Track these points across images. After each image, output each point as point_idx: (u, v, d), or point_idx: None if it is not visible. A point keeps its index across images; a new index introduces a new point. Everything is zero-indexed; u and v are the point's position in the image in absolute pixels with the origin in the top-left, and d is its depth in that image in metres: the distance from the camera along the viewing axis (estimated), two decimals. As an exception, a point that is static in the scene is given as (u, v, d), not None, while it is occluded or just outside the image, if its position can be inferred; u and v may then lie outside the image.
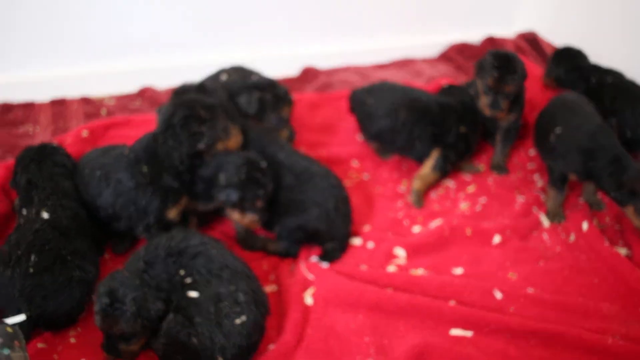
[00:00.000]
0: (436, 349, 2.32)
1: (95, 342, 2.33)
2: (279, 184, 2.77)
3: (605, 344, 2.33)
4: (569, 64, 3.61)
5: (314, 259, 2.76)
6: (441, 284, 2.61)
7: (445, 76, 4.27)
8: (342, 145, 3.53)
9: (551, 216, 3.04)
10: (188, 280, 2.26)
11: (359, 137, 3.61)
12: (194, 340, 2.15)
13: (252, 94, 3.12)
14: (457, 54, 4.73)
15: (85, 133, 3.40)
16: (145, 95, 4.07)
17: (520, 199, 3.20)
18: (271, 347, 2.34)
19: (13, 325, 1.95)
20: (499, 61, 3.10)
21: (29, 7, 3.86)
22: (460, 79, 4.14)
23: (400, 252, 2.82)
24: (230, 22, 4.30)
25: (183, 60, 4.19)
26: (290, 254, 2.80)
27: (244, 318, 2.20)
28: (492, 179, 3.36)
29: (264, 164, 2.69)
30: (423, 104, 3.32)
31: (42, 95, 3.99)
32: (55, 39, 3.99)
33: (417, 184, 3.22)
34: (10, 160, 3.03)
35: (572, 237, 2.93)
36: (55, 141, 3.24)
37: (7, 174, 2.96)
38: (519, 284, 2.67)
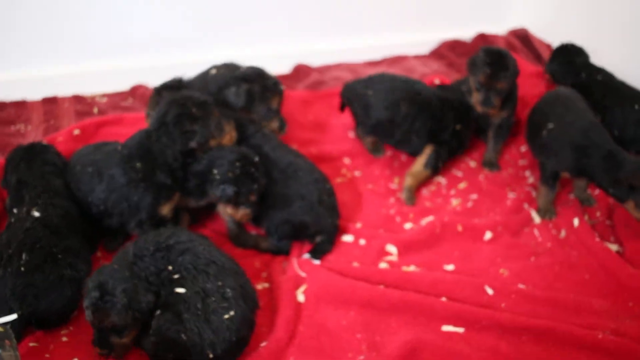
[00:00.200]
0: (428, 346, 2.33)
1: (87, 340, 2.32)
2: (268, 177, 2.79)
3: (595, 339, 2.35)
4: (564, 59, 3.64)
5: (305, 256, 2.77)
6: (433, 281, 2.62)
7: (437, 73, 4.27)
8: (334, 142, 3.53)
9: (542, 212, 3.05)
10: (176, 276, 2.27)
11: (351, 135, 3.62)
12: (184, 337, 2.15)
13: (240, 86, 3.10)
14: (449, 50, 4.73)
15: (77, 131, 3.40)
16: (137, 93, 4.06)
17: (511, 196, 3.21)
18: (263, 344, 2.34)
19: (4, 324, 1.95)
20: (491, 58, 3.11)
21: (20, 7, 3.84)
22: (452, 76, 4.15)
23: (392, 249, 2.83)
24: (222, 21, 4.28)
25: (175, 59, 4.17)
26: (282, 251, 2.81)
27: (232, 313, 2.20)
28: (483, 176, 3.37)
29: (256, 159, 2.70)
30: (424, 98, 3.32)
31: (33, 93, 3.97)
32: (47, 38, 3.97)
33: (408, 180, 3.23)
34: (1, 160, 3.02)
35: (563, 233, 2.95)
36: (46, 140, 3.24)
37: (-1, 173, 2.95)
38: (510, 280, 2.68)
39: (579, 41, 3.79)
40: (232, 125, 2.82)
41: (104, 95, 4.07)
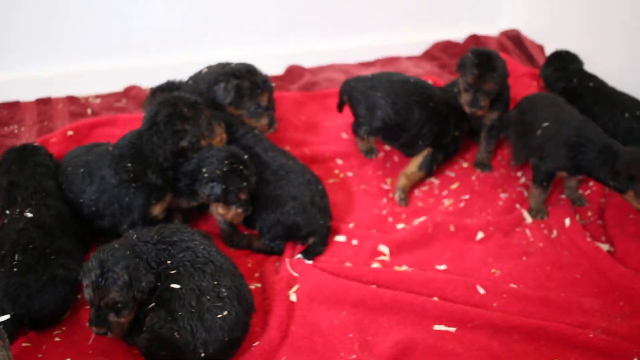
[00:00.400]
0: (420, 345, 2.34)
1: (80, 340, 2.35)
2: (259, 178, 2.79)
3: (587, 338, 2.36)
4: (557, 65, 3.66)
5: (298, 256, 2.78)
6: (425, 280, 2.63)
7: (430, 74, 4.29)
8: (327, 143, 3.53)
9: (534, 213, 3.07)
10: (173, 271, 2.28)
11: (344, 136, 3.62)
12: (177, 335, 2.15)
13: (229, 82, 3.08)
14: (441, 52, 4.75)
15: (70, 132, 3.40)
16: (131, 94, 4.06)
17: (503, 196, 3.23)
18: (256, 344, 2.35)
19: (-3, 325, 1.95)
20: (479, 59, 3.13)
21: (14, 9, 3.85)
22: (445, 77, 4.17)
23: (384, 249, 2.84)
24: (215, 22, 4.30)
25: (168, 60, 4.18)
26: (275, 251, 2.82)
27: (225, 313, 2.21)
28: (475, 176, 3.39)
29: (246, 157, 2.71)
30: (436, 104, 3.33)
31: (27, 94, 3.97)
32: (41, 39, 3.98)
33: (402, 181, 3.24)
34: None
35: (555, 233, 2.96)
36: (40, 141, 3.24)
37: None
38: (501, 280, 2.70)
39: (570, 42, 3.83)
40: (222, 127, 2.82)
41: (97, 96, 4.07)
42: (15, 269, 2.33)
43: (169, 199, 2.72)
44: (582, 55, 3.71)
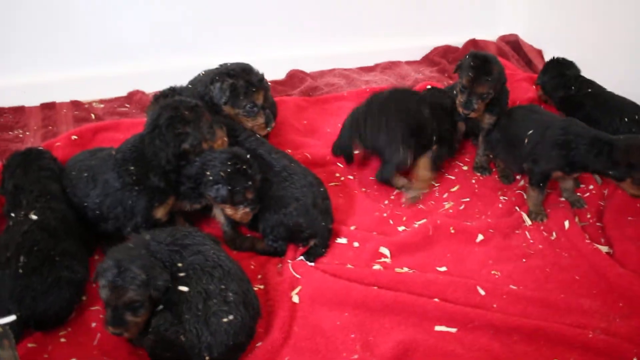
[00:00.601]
0: (421, 345, 2.36)
1: (85, 341, 2.37)
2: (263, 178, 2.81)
3: (586, 338, 2.39)
4: (555, 72, 3.70)
5: (300, 258, 2.81)
6: (426, 282, 2.65)
7: (430, 79, 4.32)
8: (328, 147, 3.54)
9: (534, 215, 3.10)
10: (182, 274, 2.29)
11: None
12: (182, 338, 2.17)
13: (225, 81, 3.09)
14: (441, 56, 4.78)
15: (74, 137, 3.43)
16: (134, 99, 4.10)
17: (502, 199, 3.26)
18: (259, 344, 2.37)
19: (3, 325, 1.96)
20: (475, 62, 3.16)
21: (19, 14, 3.89)
22: (444, 81, 4.20)
23: (385, 251, 2.86)
24: (217, 28, 4.34)
25: (170, 65, 4.22)
26: (278, 252, 2.84)
27: (231, 317, 2.22)
28: (475, 179, 3.42)
29: (248, 156, 2.72)
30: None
31: (32, 99, 4.01)
32: (45, 44, 4.02)
33: (421, 186, 3.29)
34: (-1, 165, 3.06)
35: (554, 235, 2.99)
36: (45, 145, 3.27)
37: (-5, 176, 2.98)
38: (502, 281, 2.72)
39: (569, 46, 3.86)
40: (224, 130, 2.84)
41: (101, 101, 4.11)
42: (20, 271, 2.35)
43: (172, 202, 2.74)
44: (581, 59, 3.74)
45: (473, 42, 4.85)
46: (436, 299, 2.57)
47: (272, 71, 4.26)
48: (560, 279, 2.74)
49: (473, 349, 2.39)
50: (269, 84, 3.22)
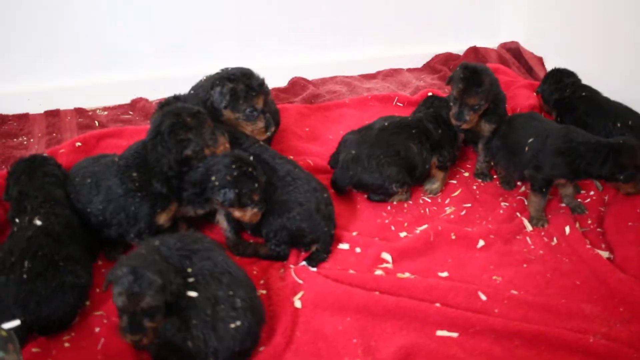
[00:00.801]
0: (422, 350, 2.37)
1: (89, 346, 2.38)
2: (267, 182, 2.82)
3: (587, 343, 2.40)
4: (553, 80, 3.73)
5: (302, 263, 2.82)
6: (427, 287, 2.66)
7: (432, 86, 4.34)
8: (330, 154, 3.55)
9: (535, 221, 3.11)
10: (191, 279, 2.28)
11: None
12: (190, 344, 2.18)
13: (225, 85, 3.09)
14: (442, 64, 4.80)
15: (79, 144, 3.45)
16: (137, 106, 4.13)
17: (504, 205, 3.27)
18: (261, 349, 2.38)
19: (7, 329, 1.97)
20: (465, 73, 3.17)
21: (23, 22, 3.92)
22: (445, 89, 4.21)
23: (387, 257, 2.87)
24: (219, 35, 4.36)
25: (173, 72, 4.25)
26: (282, 256, 2.86)
27: (238, 323, 2.23)
28: (476, 185, 3.44)
29: (251, 158, 2.73)
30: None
31: (36, 107, 4.04)
32: (49, 52, 4.05)
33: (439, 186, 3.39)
34: (3, 171, 3.07)
35: (555, 241, 3.00)
36: (49, 152, 3.29)
37: (1, 184, 2.99)
38: (503, 287, 2.73)
39: (569, 53, 3.88)
40: (226, 137, 2.85)
41: (104, 109, 4.14)
42: (24, 276, 2.37)
43: (175, 208, 2.76)
44: (581, 66, 3.77)
45: (474, 50, 4.86)
46: (438, 304, 2.58)
47: (274, 78, 4.28)
48: (561, 284, 2.75)
49: (474, 353, 2.39)
50: (269, 88, 3.22)
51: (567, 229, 3.02)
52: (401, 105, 4.17)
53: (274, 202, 2.82)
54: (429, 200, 3.33)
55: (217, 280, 2.28)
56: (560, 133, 3.04)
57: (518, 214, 3.19)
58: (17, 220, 2.65)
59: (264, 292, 2.67)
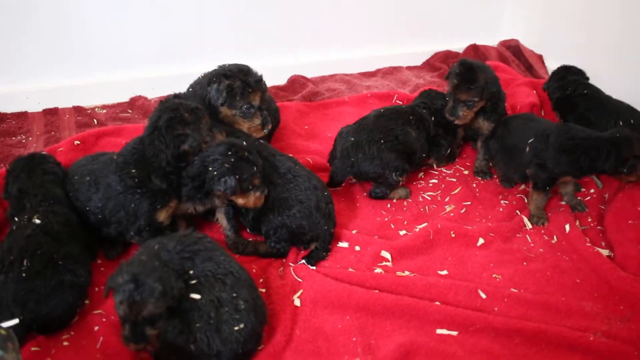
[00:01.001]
0: (422, 348, 2.37)
1: (88, 345, 2.37)
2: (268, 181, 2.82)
3: (587, 341, 2.40)
4: (558, 77, 3.72)
5: (301, 261, 2.82)
6: (427, 285, 2.66)
7: (431, 84, 4.35)
8: (329, 152, 3.56)
9: (535, 219, 3.11)
10: (193, 281, 2.26)
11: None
12: (192, 347, 2.17)
13: (221, 82, 3.08)
14: (442, 62, 4.80)
15: (77, 142, 3.44)
16: (136, 104, 4.12)
17: (503, 203, 3.27)
18: (261, 347, 2.38)
19: (7, 328, 1.97)
20: (460, 69, 3.18)
21: (21, 21, 3.91)
22: (445, 86, 4.20)
23: (386, 255, 2.87)
24: (219, 33, 4.36)
25: (173, 71, 4.25)
26: (282, 252, 2.86)
27: (242, 325, 2.22)
28: (476, 183, 3.44)
29: (244, 143, 2.71)
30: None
31: (34, 105, 4.04)
32: (48, 51, 4.04)
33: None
34: (2, 170, 3.06)
35: (555, 239, 3.00)
36: (48, 150, 3.28)
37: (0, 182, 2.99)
38: (503, 285, 2.73)
39: (570, 51, 3.88)
40: (224, 134, 2.84)
41: (103, 107, 4.13)
42: (23, 275, 2.36)
43: (174, 205, 2.74)
44: (581, 64, 3.77)
45: (474, 48, 4.86)
46: (437, 302, 2.58)
47: (274, 77, 4.29)
48: (561, 282, 2.75)
49: (474, 351, 2.39)
50: (267, 86, 3.19)
51: (567, 227, 3.03)
52: (401, 103, 4.16)
53: (274, 200, 2.82)
54: (429, 199, 3.33)
55: (221, 281, 2.26)
56: (561, 130, 3.04)
57: (518, 212, 3.19)
58: (16, 218, 2.64)
59: (263, 290, 2.66)
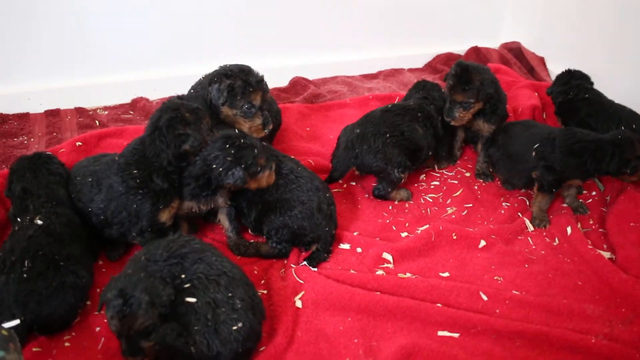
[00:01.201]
0: (423, 350, 2.37)
1: (89, 346, 2.38)
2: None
3: (589, 343, 2.40)
4: (561, 81, 3.73)
5: (303, 263, 2.82)
6: (428, 287, 2.66)
7: (432, 86, 4.33)
8: (330, 153, 3.55)
9: (537, 222, 3.11)
10: (187, 285, 2.25)
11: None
12: (192, 349, 2.16)
13: (222, 82, 3.07)
14: (443, 64, 4.81)
15: (79, 143, 3.44)
16: (138, 105, 4.12)
17: (505, 205, 3.27)
18: (262, 349, 2.38)
19: (8, 329, 1.97)
20: (456, 70, 3.19)
21: (24, 23, 3.91)
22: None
23: (388, 257, 2.87)
24: (220, 35, 4.36)
25: (174, 72, 4.25)
26: (283, 253, 2.86)
27: (240, 325, 2.21)
28: (477, 185, 3.44)
29: (237, 130, 2.73)
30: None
31: (36, 106, 4.04)
32: (50, 52, 4.04)
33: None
34: (5, 170, 3.06)
35: (557, 241, 3.00)
36: (50, 151, 3.27)
37: (1, 183, 2.99)
38: (504, 287, 2.73)
39: (570, 54, 3.88)
40: None
41: (105, 108, 4.13)
42: (25, 275, 2.36)
43: (177, 205, 2.74)
44: (583, 67, 3.77)
45: (475, 50, 4.87)
46: (439, 304, 2.58)
47: (276, 78, 4.29)
48: (562, 285, 2.75)
49: (476, 353, 2.39)
50: (268, 86, 3.19)
51: (569, 229, 3.03)
52: (402, 104, 4.17)
53: (276, 200, 2.82)
54: (430, 200, 3.33)
55: (215, 282, 2.25)
56: (567, 134, 3.05)
57: (520, 214, 3.19)
58: (18, 219, 2.64)
59: (264, 292, 2.67)
